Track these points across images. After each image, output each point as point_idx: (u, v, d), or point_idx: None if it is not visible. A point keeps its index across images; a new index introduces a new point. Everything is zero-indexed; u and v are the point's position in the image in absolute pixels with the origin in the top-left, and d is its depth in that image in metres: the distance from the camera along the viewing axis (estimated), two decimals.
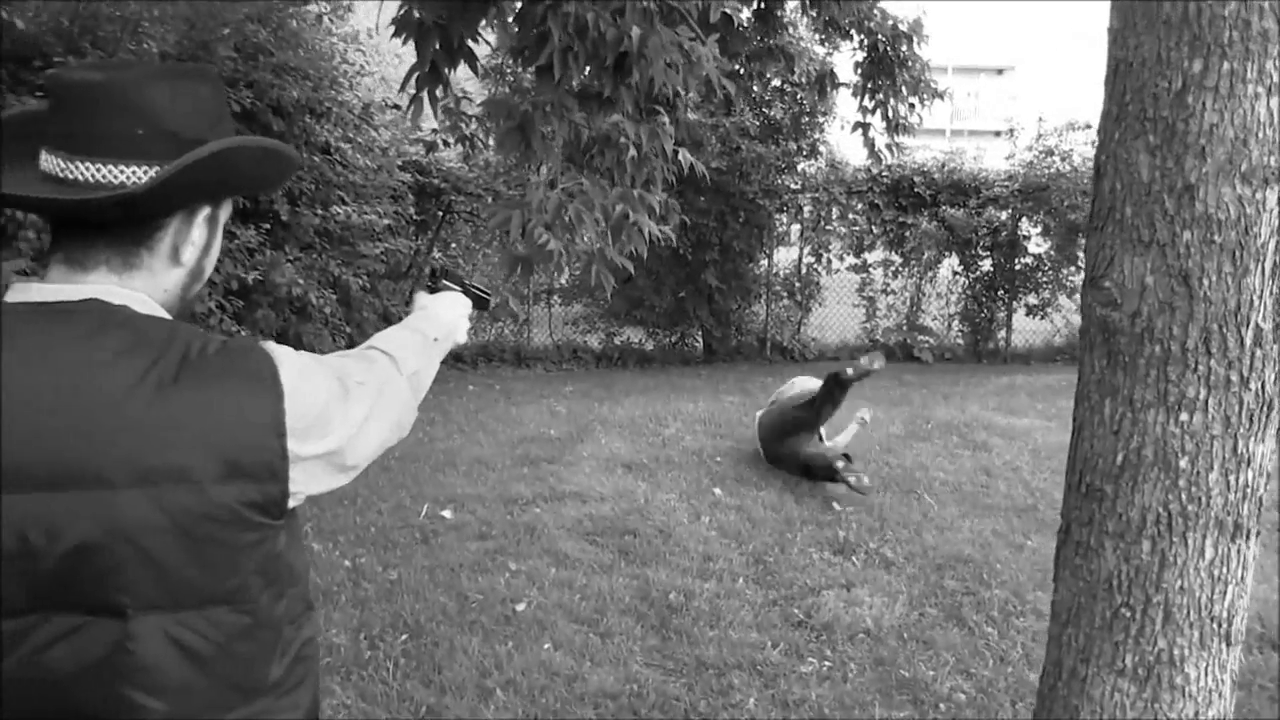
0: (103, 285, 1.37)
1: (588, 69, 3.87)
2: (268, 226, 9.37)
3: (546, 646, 4.80)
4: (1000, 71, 49.28)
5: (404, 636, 4.88)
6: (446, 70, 3.94)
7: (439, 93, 4.00)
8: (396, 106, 11.76)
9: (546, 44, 3.56)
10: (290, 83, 9.16)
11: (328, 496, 7.05)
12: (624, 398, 10.85)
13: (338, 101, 10.37)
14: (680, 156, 4.01)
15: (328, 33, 10.40)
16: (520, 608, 5.23)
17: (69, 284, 1.37)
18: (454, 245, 14.11)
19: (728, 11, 4.01)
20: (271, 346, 1.45)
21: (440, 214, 13.44)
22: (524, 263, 4.16)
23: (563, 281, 13.29)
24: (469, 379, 12.30)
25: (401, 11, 3.97)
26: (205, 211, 1.46)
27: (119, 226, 1.38)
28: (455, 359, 13.32)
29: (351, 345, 11.64)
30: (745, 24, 7.20)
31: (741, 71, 9.45)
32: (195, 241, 1.46)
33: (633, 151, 3.78)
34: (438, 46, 3.94)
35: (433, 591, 5.42)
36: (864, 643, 4.91)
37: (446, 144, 6.26)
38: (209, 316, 8.28)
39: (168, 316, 1.42)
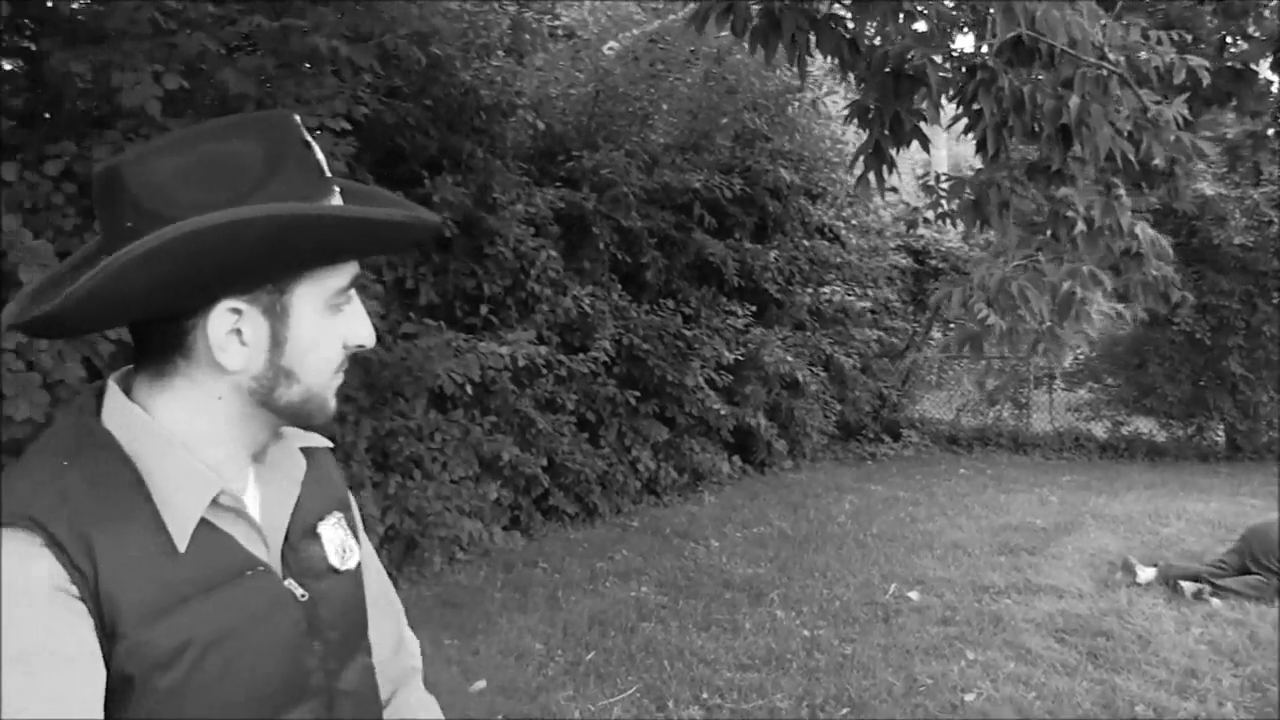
0: (116, 395, 1.16)
1: (1037, 140, 3.78)
2: (754, 308, 9.81)
3: None
4: None
5: (845, 710, 4.88)
6: (891, 150, 4.00)
7: (885, 172, 4.07)
8: (893, 189, 11.91)
9: (980, 120, 3.54)
10: (785, 166, 9.57)
11: (798, 567, 7.21)
12: (1125, 491, 10.15)
13: (834, 181, 10.69)
14: (1139, 231, 3.78)
15: (828, 117, 10.77)
16: (969, 698, 5.05)
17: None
18: (954, 325, 13.97)
19: (1194, 68, 3.73)
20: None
21: None
22: (974, 339, 4.09)
23: (1065, 366, 12.72)
24: (962, 463, 12.05)
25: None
26: (226, 304, 1.11)
27: (140, 334, 1.15)
28: (951, 441, 13.12)
29: (843, 422, 11.85)
30: (1265, 81, 6.58)
31: (1271, 133, 8.62)
32: (274, 337, 1.14)
33: (1081, 225, 3.62)
34: (886, 130, 4.02)
35: (883, 670, 5.37)
36: None
37: (927, 221, 6.32)
38: (696, 390, 8.78)
39: (94, 446, 1.12)
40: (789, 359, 9.74)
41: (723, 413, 9.29)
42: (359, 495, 5.92)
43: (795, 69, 3.86)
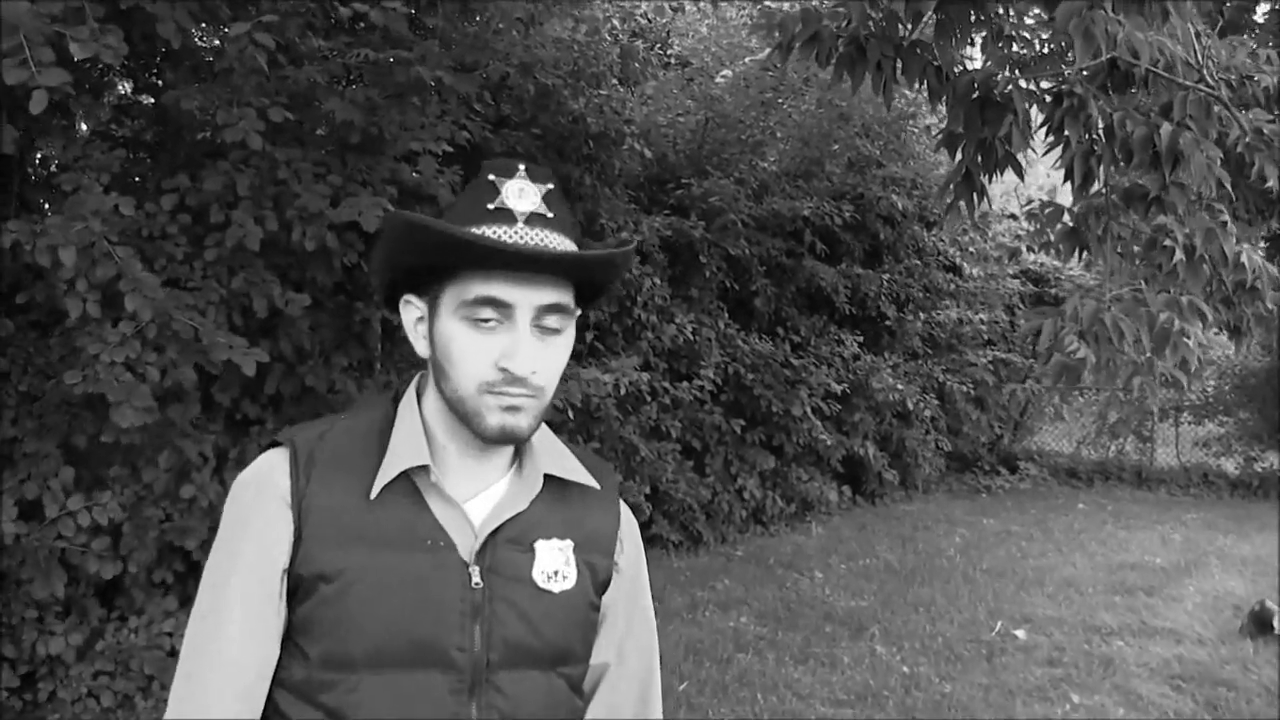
0: (410, 383, 1.43)
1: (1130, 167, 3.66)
2: (863, 336, 9.70)
3: None
4: None
5: None
6: (982, 177, 3.92)
7: (976, 200, 3.98)
8: (1013, 216, 11.68)
9: (1069, 148, 3.44)
10: (898, 193, 9.46)
11: (901, 601, 7.08)
12: (1255, 532, 9.72)
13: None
14: (1244, 259, 3.63)
15: None
16: None
17: None
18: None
19: None
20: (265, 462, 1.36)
21: None
22: (1069, 371, 3.97)
23: (1192, 398, 12.27)
24: (1081, 497, 11.70)
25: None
26: (405, 296, 1.36)
27: None
28: (1070, 475, 12.76)
29: (958, 453, 11.61)
30: None
31: None
32: (430, 332, 1.34)
33: (1180, 254, 3.48)
34: (978, 157, 3.94)
35: (982, 711, 5.23)
36: None
37: (1031, 250, 6.20)
38: (803, 420, 8.69)
39: (376, 411, 1.40)
40: (899, 387, 9.59)
41: (830, 442, 9.17)
42: None
43: (882, 97, 3.79)
